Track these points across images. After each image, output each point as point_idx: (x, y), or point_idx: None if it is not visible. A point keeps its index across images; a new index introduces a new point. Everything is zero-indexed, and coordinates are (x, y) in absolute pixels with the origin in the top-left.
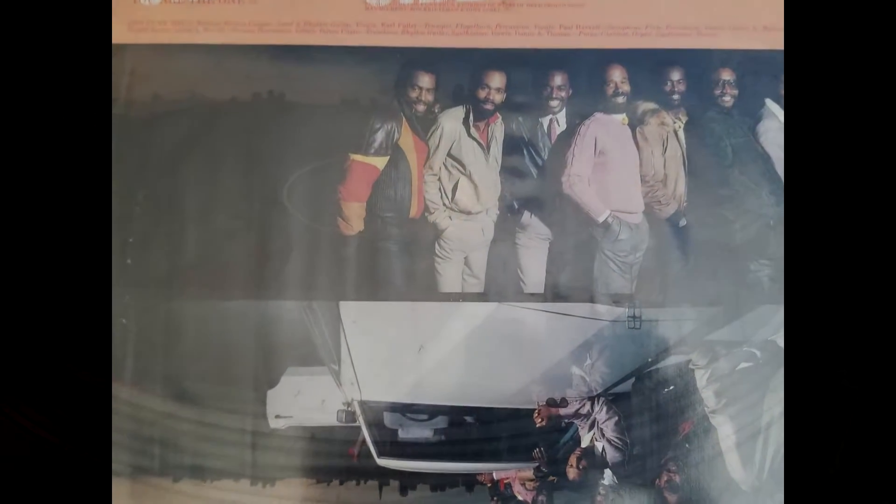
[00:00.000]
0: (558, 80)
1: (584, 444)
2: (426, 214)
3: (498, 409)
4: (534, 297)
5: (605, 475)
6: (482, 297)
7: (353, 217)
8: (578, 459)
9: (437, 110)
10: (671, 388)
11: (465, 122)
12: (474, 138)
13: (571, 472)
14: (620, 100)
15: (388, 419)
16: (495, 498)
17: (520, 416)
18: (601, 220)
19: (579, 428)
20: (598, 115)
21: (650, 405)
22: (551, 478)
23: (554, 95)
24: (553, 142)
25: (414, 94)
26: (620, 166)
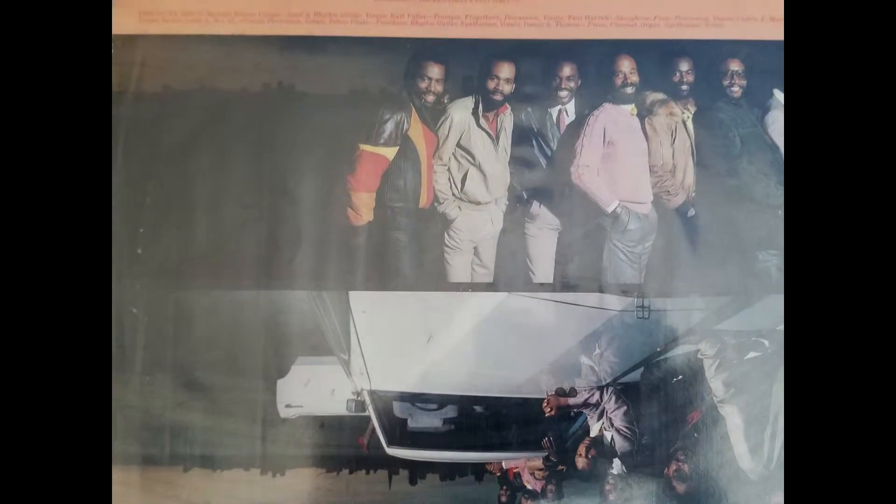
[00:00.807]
0: (567, 70)
1: (593, 433)
2: (435, 204)
3: (507, 398)
4: (543, 287)
5: (613, 464)
6: (491, 287)
7: (363, 207)
8: (587, 449)
9: (446, 101)
10: (680, 377)
11: (475, 112)
12: (483, 129)
13: (580, 462)
14: (629, 90)
15: (398, 409)
16: (504, 487)
17: (529, 405)
18: (610, 210)
19: (588, 417)
20: (607, 106)
21: (659, 395)
22: (560, 467)
23: (563, 86)
24: (562, 132)
25: (423, 85)
26: (629, 157)
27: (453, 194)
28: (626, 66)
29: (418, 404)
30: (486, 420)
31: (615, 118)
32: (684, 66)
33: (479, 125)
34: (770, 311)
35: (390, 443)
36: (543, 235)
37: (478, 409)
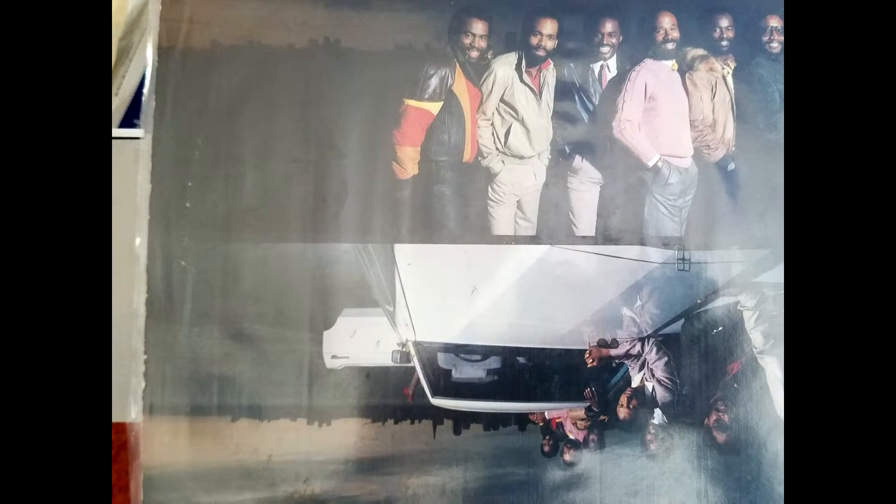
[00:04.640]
0: (609, 26)
1: (635, 384)
2: (479, 158)
3: (550, 349)
4: (585, 239)
5: (654, 415)
6: (534, 239)
7: (408, 161)
8: (629, 399)
9: (489, 56)
10: (720, 329)
11: (518, 68)
12: (526, 84)
13: (622, 412)
14: (670, 46)
15: (442, 359)
16: (547, 437)
17: (571, 356)
18: (651, 164)
19: (630, 368)
20: (648, 62)
21: (699, 346)
22: (602, 417)
23: (605, 42)
24: (604, 87)
25: (467, 41)
26: (670, 111)
27: (497, 148)
28: (667, 22)
29: (462, 355)
30: (528, 371)
31: (656, 73)
32: (724, 21)
33: (522, 80)
34: None
35: (435, 393)
36: (586, 189)
37: (521, 360)
